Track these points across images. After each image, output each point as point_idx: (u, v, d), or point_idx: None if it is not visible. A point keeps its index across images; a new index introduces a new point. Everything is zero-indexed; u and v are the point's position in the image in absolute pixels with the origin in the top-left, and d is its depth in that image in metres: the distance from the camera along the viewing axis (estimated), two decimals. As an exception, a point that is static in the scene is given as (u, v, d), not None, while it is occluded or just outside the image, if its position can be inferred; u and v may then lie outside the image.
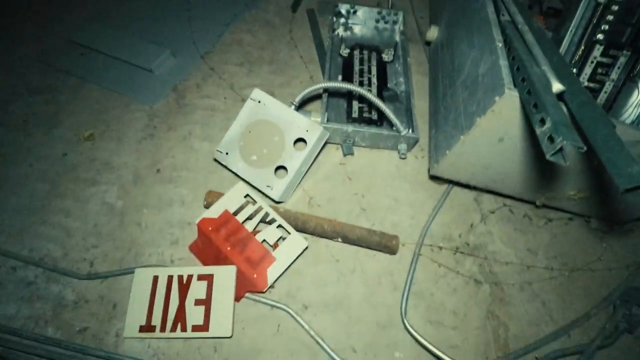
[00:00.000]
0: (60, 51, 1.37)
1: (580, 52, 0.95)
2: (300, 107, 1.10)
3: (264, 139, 1.02)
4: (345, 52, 1.39)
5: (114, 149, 1.14)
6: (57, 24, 1.46)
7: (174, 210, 1.03)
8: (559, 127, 0.54)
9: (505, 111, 0.76)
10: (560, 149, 0.53)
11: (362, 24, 1.53)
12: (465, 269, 1.00)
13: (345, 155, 1.17)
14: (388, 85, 1.35)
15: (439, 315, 0.93)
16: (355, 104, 1.25)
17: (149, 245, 0.97)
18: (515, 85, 0.73)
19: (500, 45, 0.81)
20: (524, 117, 0.75)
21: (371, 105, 1.25)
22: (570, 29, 0.90)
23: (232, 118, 1.22)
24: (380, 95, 1.30)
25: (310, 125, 0.99)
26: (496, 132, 0.82)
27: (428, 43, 1.42)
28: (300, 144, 1.02)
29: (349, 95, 1.27)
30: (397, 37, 1.49)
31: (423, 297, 0.95)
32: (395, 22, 1.52)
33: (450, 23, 1.20)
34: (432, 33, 1.33)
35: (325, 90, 1.15)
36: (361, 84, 1.32)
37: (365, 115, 1.23)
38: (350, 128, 1.10)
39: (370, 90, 1.14)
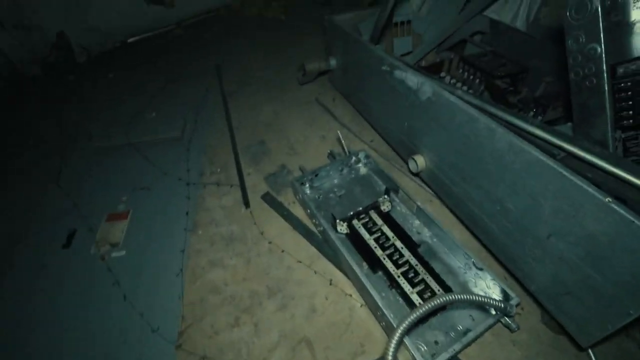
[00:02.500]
0: None
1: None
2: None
3: None
4: (343, 228, 1.13)
5: None
6: None
7: None
8: None
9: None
10: None
11: (329, 180, 1.32)
12: None
13: (459, 375, 0.84)
14: (413, 238, 1.11)
15: None
16: (406, 286, 0.97)
17: None
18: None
19: (609, 200, 0.65)
20: None
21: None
22: (608, 132, 0.82)
23: None
24: (417, 256, 1.05)
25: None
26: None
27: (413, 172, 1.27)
28: None
29: (395, 284, 0.99)
30: (379, 181, 1.31)
31: None
32: (358, 162, 1.35)
33: (445, 154, 1.06)
34: (421, 163, 1.17)
35: (403, 336, 0.79)
36: (390, 257, 1.05)
37: (427, 294, 0.95)
38: (457, 346, 0.80)
39: (450, 292, 0.87)
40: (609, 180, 0.72)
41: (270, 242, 1.17)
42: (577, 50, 0.81)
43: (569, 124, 1.07)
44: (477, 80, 1.30)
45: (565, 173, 0.71)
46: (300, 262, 1.11)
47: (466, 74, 1.35)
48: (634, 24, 0.87)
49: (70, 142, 1.68)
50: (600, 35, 0.75)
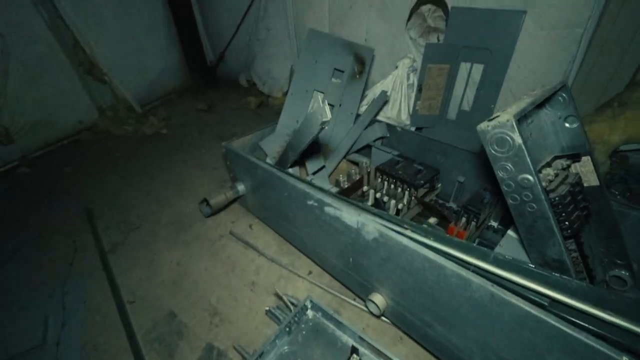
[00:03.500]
0: None
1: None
2: None
3: None
4: None
5: None
6: None
7: None
8: None
9: None
10: None
11: (279, 349, 1.02)
12: None
13: None
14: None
15: None
16: None
17: None
18: None
19: (626, 359, 0.57)
20: None
21: None
22: (563, 253, 0.81)
23: None
24: None
25: None
26: None
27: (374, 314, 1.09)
28: None
29: None
30: (337, 330, 1.07)
31: None
32: (306, 310, 1.11)
33: (411, 296, 0.92)
34: (381, 303, 1.01)
35: None
36: None
37: None
38: None
39: None
40: (609, 327, 0.67)
41: None
42: (508, 178, 0.81)
43: (512, 232, 1.08)
44: (400, 190, 1.28)
45: (568, 330, 0.62)
46: None
47: (386, 183, 1.32)
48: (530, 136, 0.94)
49: None
50: (530, 167, 0.76)
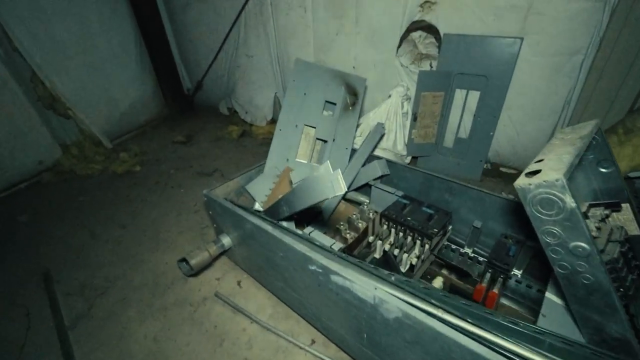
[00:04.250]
0: None
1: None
2: None
3: None
4: None
5: None
6: None
7: None
8: None
9: None
10: None
11: None
12: None
13: None
14: None
15: None
16: None
17: None
18: None
19: None
20: None
21: None
22: (627, 331, 0.68)
23: None
24: None
25: None
26: None
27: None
28: None
29: None
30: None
31: None
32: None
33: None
34: (404, 390, 0.84)
35: None
36: None
37: None
38: None
39: None
40: None
41: None
42: (556, 244, 0.67)
43: (552, 295, 0.94)
44: (409, 238, 1.13)
45: None
46: None
47: (393, 230, 1.17)
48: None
49: None
50: (586, 235, 0.63)
